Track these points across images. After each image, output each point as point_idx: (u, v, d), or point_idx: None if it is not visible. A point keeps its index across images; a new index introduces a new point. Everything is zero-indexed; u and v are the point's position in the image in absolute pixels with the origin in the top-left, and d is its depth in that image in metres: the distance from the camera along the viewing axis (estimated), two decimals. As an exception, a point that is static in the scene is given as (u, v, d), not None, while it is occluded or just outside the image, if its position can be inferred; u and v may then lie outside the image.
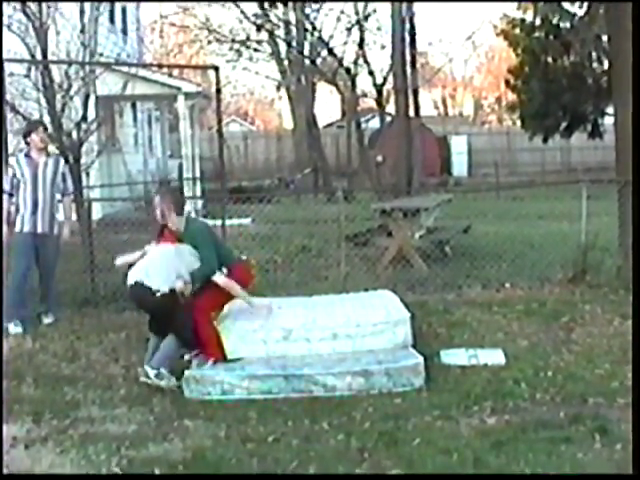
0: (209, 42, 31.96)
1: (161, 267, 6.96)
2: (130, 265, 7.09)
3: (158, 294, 6.78)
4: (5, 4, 11.67)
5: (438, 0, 36.25)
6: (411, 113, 26.58)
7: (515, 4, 27.01)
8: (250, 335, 7.24)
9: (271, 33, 30.67)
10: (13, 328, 8.81)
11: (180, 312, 6.93)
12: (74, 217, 10.88)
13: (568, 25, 27.15)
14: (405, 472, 5.13)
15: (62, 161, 9.65)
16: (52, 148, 10.38)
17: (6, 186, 9.10)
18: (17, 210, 9.13)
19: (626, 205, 10.05)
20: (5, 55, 11.39)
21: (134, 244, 7.74)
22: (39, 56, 11.56)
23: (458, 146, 41.26)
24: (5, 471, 5.31)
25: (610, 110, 18.27)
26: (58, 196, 9.33)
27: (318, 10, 30.00)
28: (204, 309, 7.18)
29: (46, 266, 9.32)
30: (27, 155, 9.21)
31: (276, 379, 6.67)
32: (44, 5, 11.62)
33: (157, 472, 5.24)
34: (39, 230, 9.13)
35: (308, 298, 8.54)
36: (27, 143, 9.27)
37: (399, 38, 24.23)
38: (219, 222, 10.68)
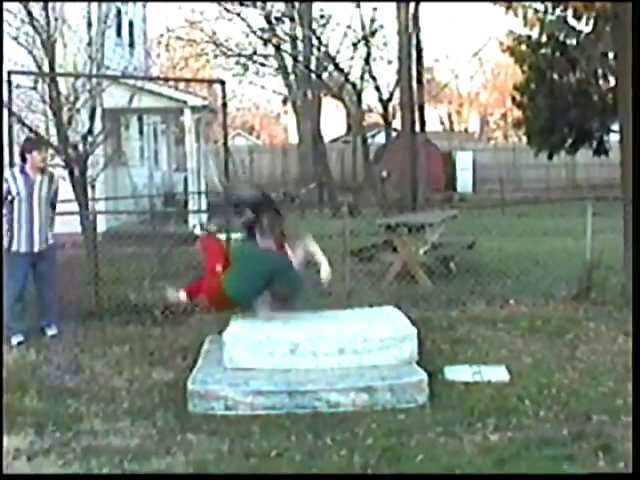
0: (215, 56, 32.04)
1: None
2: None
3: None
4: (12, 16, 11.74)
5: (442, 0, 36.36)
6: (417, 128, 26.62)
7: (521, 21, 27.02)
8: (257, 346, 7.22)
9: (278, 48, 30.76)
10: (15, 338, 8.78)
11: None
12: (78, 229, 10.94)
13: (574, 42, 27.13)
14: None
15: (55, 178, 9.38)
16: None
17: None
18: (9, 226, 8.89)
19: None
20: (12, 67, 11.42)
21: (139, 257, 7.77)
22: (46, 69, 11.62)
23: (463, 162, 41.26)
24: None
25: (615, 127, 18.24)
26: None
27: (325, 25, 30.13)
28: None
29: (45, 280, 9.20)
30: (23, 172, 8.94)
31: (280, 395, 6.65)
32: (52, 18, 11.68)
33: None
34: (36, 249, 8.97)
35: (314, 313, 8.53)
36: (24, 159, 8.95)
37: (405, 54, 24.33)
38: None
